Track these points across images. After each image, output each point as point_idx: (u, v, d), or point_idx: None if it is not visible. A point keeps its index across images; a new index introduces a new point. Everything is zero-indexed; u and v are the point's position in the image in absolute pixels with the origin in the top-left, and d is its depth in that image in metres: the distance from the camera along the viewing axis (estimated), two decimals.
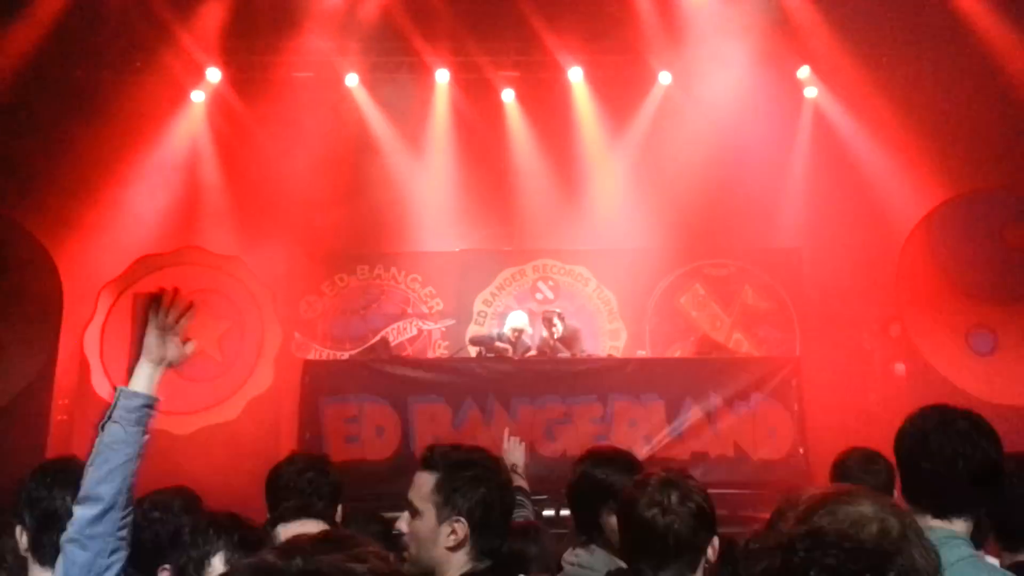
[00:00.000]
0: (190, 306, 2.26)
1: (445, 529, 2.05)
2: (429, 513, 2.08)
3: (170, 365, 2.26)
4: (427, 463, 2.15)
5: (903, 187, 8.67)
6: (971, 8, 8.36)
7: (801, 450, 6.60)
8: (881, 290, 8.54)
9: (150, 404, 2.20)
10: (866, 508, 1.21)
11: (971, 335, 8.17)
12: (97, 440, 2.14)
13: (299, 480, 2.88)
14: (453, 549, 2.04)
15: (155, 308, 2.23)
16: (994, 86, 8.29)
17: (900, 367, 8.37)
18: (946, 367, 8.08)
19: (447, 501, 2.07)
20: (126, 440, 2.13)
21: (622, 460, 2.72)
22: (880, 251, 8.59)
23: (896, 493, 2.26)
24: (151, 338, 2.23)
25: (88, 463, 2.13)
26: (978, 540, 2.14)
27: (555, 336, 7.45)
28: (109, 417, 2.15)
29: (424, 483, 2.11)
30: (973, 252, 8.29)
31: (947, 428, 2.05)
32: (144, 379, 2.22)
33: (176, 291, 2.26)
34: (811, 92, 9.40)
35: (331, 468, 3.01)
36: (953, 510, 1.99)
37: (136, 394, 2.19)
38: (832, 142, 9.16)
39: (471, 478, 2.09)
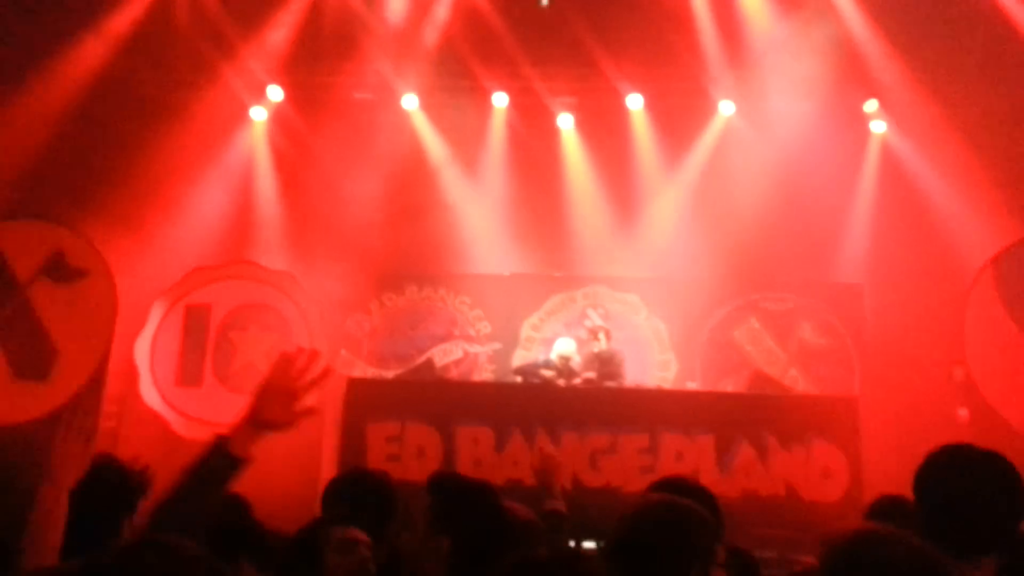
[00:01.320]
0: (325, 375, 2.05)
1: (431, 543, 2.29)
2: (420, 527, 2.36)
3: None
4: (431, 486, 2.43)
5: (971, 226, 8.39)
6: None
7: (856, 494, 6.33)
8: (945, 332, 8.23)
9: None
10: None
11: None
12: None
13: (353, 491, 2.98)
14: (433, 565, 2.24)
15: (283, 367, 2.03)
16: None
17: (963, 412, 8.04)
18: (1011, 414, 7.74)
19: (437, 521, 2.32)
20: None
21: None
22: (946, 291, 8.30)
23: None
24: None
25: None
26: None
27: (594, 350, 7.36)
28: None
29: (424, 502, 2.39)
30: None
31: (965, 467, 2.05)
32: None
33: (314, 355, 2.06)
34: (878, 127, 9.18)
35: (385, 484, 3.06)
36: (977, 550, 1.94)
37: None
38: (899, 178, 8.92)
39: (465, 505, 2.31)
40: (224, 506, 2.68)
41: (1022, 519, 1.99)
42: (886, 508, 3.00)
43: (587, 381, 7.25)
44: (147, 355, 8.50)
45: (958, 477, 2.03)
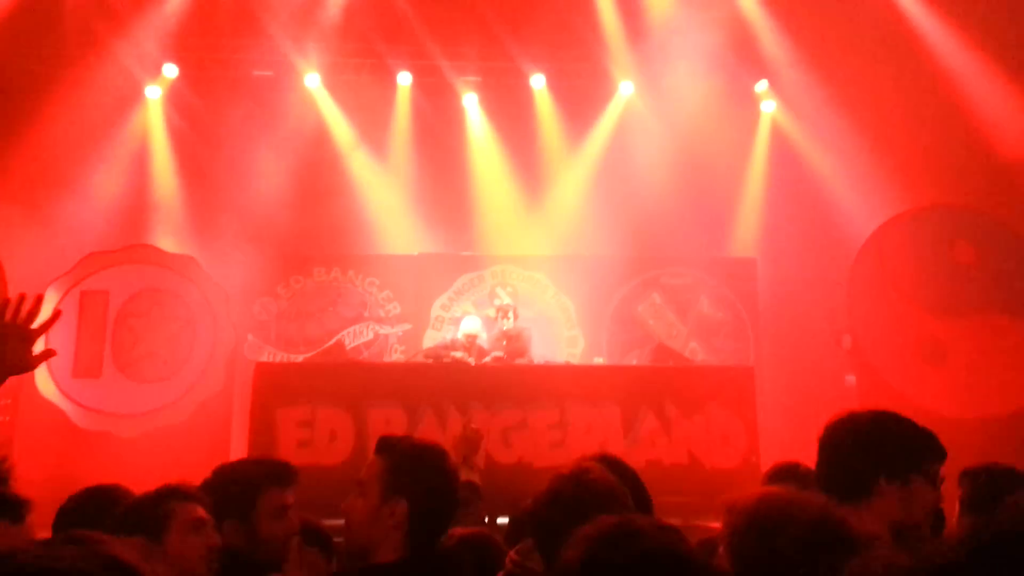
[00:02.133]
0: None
1: (385, 509, 2.14)
2: (373, 492, 2.17)
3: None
4: (381, 448, 2.26)
5: (857, 201, 8.83)
6: (926, 26, 8.57)
7: (754, 459, 6.65)
8: (833, 302, 8.68)
9: None
10: None
11: (921, 347, 8.34)
12: None
13: None
14: (389, 530, 2.12)
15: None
16: (946, 104, 8.50)
17: (851, 378, 8.51)
18: (896, 379, 8.24)
19: (394, 482, 2.16)
20: None
21: None
22: (833, 263, 8.74)
23: None
24: None
25: None
26: None
27: (503, 328, 7.47)
28: None
29: (375, 465, 2.23)
30: (923, 266, 8.48)
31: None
32: None
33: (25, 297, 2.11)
34: (768, 106, 9.55)
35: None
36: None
37: None
38: (788, 155, 9.32)
39: (421, 465, 2.20)
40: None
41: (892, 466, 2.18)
42: (782, 474, 3.17)
43: (496, 360, 7.35)
44: (41, 344, 8.15)
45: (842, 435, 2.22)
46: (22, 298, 2.08)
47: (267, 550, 2.50)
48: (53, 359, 7.73)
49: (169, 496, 2.38)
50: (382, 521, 2.13)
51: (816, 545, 1.48)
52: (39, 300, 2.12)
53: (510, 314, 7.54)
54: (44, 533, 2.47)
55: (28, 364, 2.11)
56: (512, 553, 2.36)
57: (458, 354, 7.28)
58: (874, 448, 2.18)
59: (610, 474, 2.28)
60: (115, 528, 2.26)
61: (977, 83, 8.50)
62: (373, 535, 2.15)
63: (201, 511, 2.38)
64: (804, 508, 1.52)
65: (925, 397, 8.01)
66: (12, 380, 7.11)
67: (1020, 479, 2.83)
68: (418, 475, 2.18)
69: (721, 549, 1.83)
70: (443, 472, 2.24)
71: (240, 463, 2.79)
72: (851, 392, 8.38)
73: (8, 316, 2.06)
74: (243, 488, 2.54)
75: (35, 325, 2.10)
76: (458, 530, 2.77)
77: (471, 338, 7.41)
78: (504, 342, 7.44)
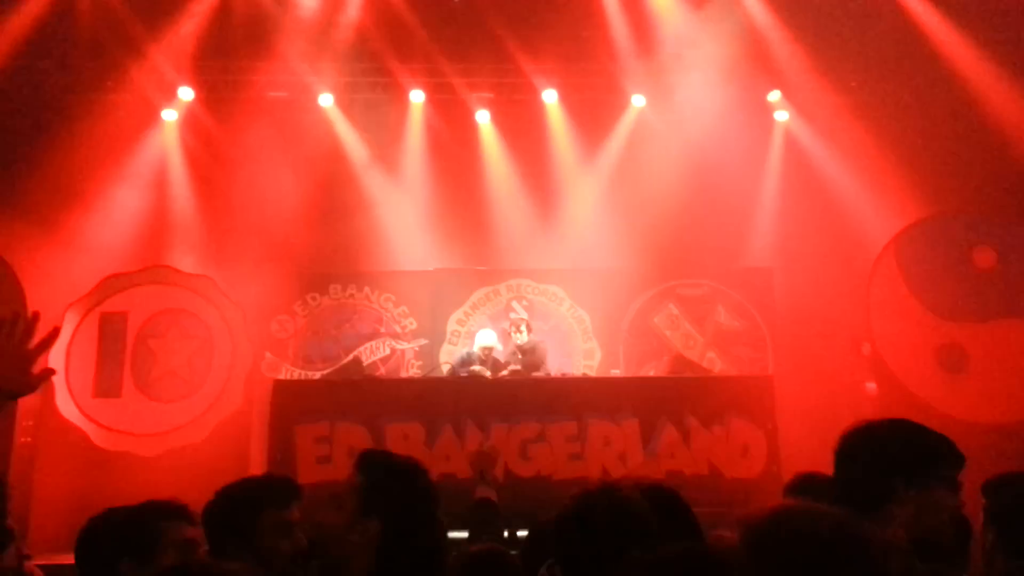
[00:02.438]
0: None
1: (359, 527, 2.16)
2: (347, 508, 2.20)
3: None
4: (360, 465, 2.28)
5: (873, 208, 8.79)
6: (939, 33, 8.55)
7: (774, 469, 6.60)
8: (852, 310, 8.62)
9: None
10: None
11: (940, 353, 8.26)
12: None
13: None
14: (360, 547, 2.14)
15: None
16: (962, 110, 8.47)
17: (871, 386, 8.44)
18: (916, 385, 8.17)
19: (369, 501, 2.18)
20: None
21: None
22: (850, 271, 8.69)
23: None
24: None
25: None
26: None
27: (517, 343, 7.46)
28: None
29: (352, 481, 2.25)
30: (942, 273, 8.41)
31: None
32: None
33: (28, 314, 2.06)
34: (781, 116, 9.54)
35: None
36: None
37: None
38: (802, 164, 9.29)
39: (397, 485, 2.21)
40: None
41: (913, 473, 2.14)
42: (803, 484, 3.14)
43: (514, 373, 7.34)
44: (62, 366, 8.24)
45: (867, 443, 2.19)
46: (16, 317, 2.01)
47: (273, 569, 2.47)
48: (74, 380, 7.75)
49: (158, 515, 2.34)
50: (354, 537, 2.14)
51: (833, 558, 1.45)
52: (36, 317, 2.04)
53: (523, 328, 7.54)
54: (66, 553, 2.48)
55: (28, 385, 2.01)
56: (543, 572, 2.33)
57: (476, 368, 7.29)
58: (890, 455, 2.15)
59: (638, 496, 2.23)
60: (107, 547, 2.25)
61: (993, 88, 8.46)
62: (345, 550, 2.16)
63: (191, 531, 2.35)
64: (820, 518, 1.50)
65: (946, 404, 7.93)
66: (34, 402, 7.19)
67: None
68: (394, 495, 2.18)
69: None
70: (419, 492, 2.23)
71: (241, 482, 2.77)
72: (871, 400, 8.31)
73: (2, 336, 1.99)
74: (243, 507, 2.50)
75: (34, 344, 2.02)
76: (474, 547, 2.76)
77: (487, 351, 7.42)
78: (519, 356, 7.44)
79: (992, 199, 8.65)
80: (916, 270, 8.52)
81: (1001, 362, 8.10)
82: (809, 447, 6.64)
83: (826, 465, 3.21)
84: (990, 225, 8.62)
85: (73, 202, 8.59)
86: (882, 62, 8.89)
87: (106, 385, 8.38)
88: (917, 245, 8.61)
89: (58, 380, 8.18)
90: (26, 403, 7.96)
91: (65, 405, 8.16)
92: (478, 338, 7.63)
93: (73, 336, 8.35)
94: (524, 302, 9.01)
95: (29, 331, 2.01)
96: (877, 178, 8.70)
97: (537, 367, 7.47)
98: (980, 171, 8.53)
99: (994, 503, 2.85)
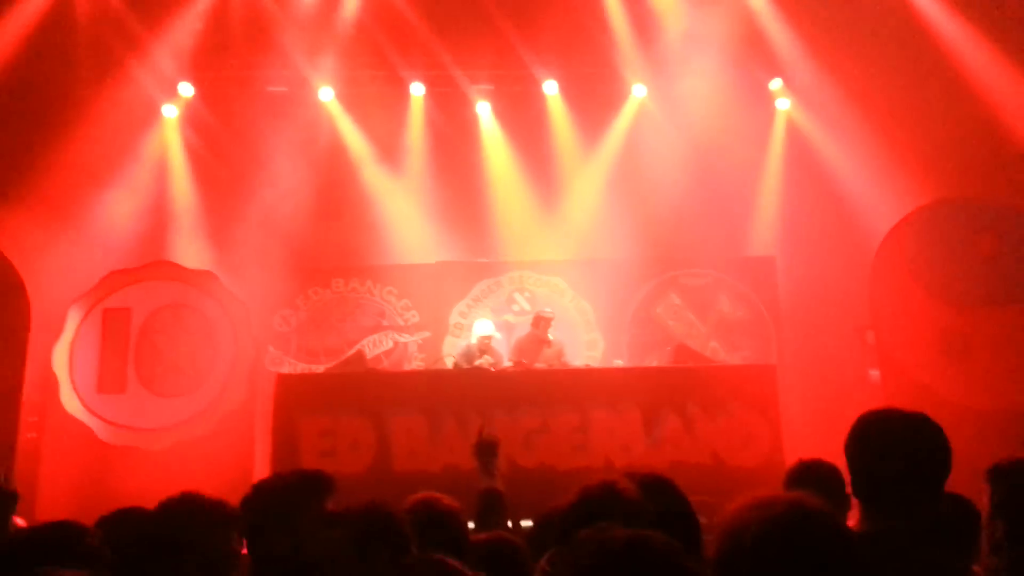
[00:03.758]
0: None
1: None
2: None
3: None
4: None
5: (875, 196, 8.76)
6: (939, 20, 8.52)
7: (778, 457, 6.60)
8: (855, 297, 8.60)
9: None
10: None
11: (944, 340, 8.25)
12: None
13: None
14: None
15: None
16: (963, 97, 8.43)
17: (875, 373, 8.43)
18: (920, 372, 8.15)
19: None
20: None
21: None
22: (853, 259, 8.67)
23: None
24: None
25: None
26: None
27: (533, 334, 7.45)
28: None
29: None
30: (945, 259, 8.38)
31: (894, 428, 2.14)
32: None
33: None
34: (783, 104, 9.51)
35: None
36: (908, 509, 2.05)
37: None
38: (804, 152, 9.27)
39: None
40: None
41: (946, 476, 2.11)
42: (804, 473, 3.13)
43: (518, 363, 7.35)
44: (66, 362, 8.27)
45: (889, 439, 2.12)
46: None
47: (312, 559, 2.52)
48: (79, 376, 7.74)
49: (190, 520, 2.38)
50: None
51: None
52: None
53: (548, 324, 7.55)
54: None
55: None
56: (543, 563, 2.34)
57: (480, 362, 7.29)
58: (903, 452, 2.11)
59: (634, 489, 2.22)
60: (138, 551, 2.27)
61: (994, 75, 8.42)
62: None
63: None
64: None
65: (950, 390, 7.91)
66: (38, 397, 7.20)
67: None
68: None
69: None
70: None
71: (279, 477, 2.80)
72: (875, 387, 8.30)
73: None
74: (286, 500, 2.55)
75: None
76: (480, 535, 2.77)
77: (485, 340, 7.42)
78: (546, 348, 7.43)
79: (994, 185, 8.62)
80: (919, 257, 8.49)
81: (1004, 348, 8.07)
82: (813, 435, 6.67)
83: (830, 453, 3.22)
84: (992, 211, 8.58)
85: (75, 199, 8.61)
86: (882, 49, 8.85)
87: (110, 381, 8.40)
88: (919, 232, 8.58)
89: (62, 376, 8.20)
90: (31, 399, 8.00)
91: (69, 401, 8.18)
92: (475, 328, 7.63)
93: (77, 332, 8.38)
94: (526, 294, 9.01)
95: None
96: (879, 165, 8.66)
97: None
98: (981, 157, 8.50)
99: (1000, 490, 2.82)
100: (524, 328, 7.93)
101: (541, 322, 7.56)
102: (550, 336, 7.54)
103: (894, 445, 2.10)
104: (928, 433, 2.13)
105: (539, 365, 7.36)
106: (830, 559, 1.35)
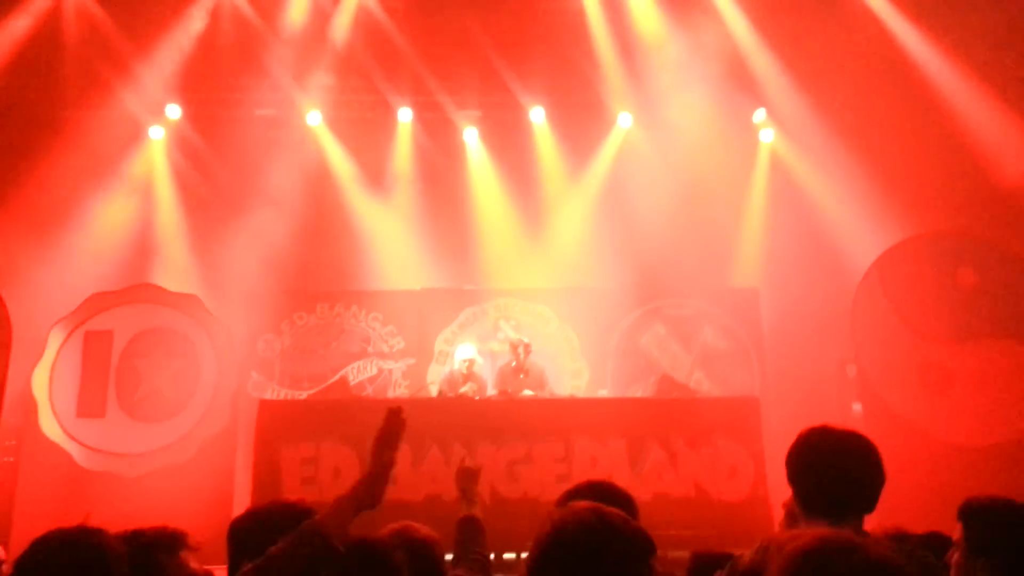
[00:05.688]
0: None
1: None
2: None
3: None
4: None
5: (857, 229, 8.84)
6: (922, 56, 8.66)
7: (762, 491, 6.59)
8: (837, 330, 8.65)
9: None
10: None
11: (924, 374, 8.30)
12: None
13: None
14: None
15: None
16: (945, 132, 8.55)
17: (857, 407, 8.46)
18: (902, 406, 8.19)
19: None
20: None
21: None
22: (835, 292, 8.73)
23: None
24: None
25: None
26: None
27: (512, 364, 7.43)
28: None
29: None
30: (925, 293, 8.46)
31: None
32: None
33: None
34: (767, 135, 9.61)
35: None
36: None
37: None
38: (787, 184, 9.35)
39: None
40: None
41: (880, 485, 2.27)
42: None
43: (502, 393, 7.32)
44: (46, 385, 8.17)
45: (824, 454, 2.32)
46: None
47: None
48: (58, 399, 7.69)
49: (158, 548, 2.34)
50: None
51: None
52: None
53: (520, 351, 7.49)
54: None
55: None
56: None
57: (464, 389, 7.26)
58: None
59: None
60: None
61: (976, 110, 8.55)
62: None
63: (194, 564, 2.34)
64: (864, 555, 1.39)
65: (932, 424, 7.96)
66: (16, 421, 7.12)
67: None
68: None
69: None
70: None
71: (264, 507, 2.73)
72: (858, 420, 8.32)
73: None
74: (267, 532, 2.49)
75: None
76: (460, 571, 2.75)
77: (468, 364, 7.39)
78: (521, 376, 7.40)
79: (975, 219, 8.73)
80: (900, 291, 8.56)
81: (984, 382, 8.14)
82: None
83: None
84: (972, 245, 8.68)
85: (59, 220, 8.56)
86: (866, 82, 8.97)
87: (90, 405, 8.30)
88: (900, 266, 8.66)
89: (42, 399, 8.10)
90: (8, 422, 7.89)
91: (48, 425, 8.08)
92: (457, 352, 7.62)
93: (58, 354, 8.29)
94: (512, 321, 9.01)
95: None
96: (862, 198, 8.75)
97: (541, 388, 7.45)
98: (963, 192, 8.61)
99: (978, 529, 2.82)
100: (507, 356, 7.93)
101: (516, 350, 7.54)
102: (527, 364, 7.50)
103: (827, 459, 2.30)
104: (859, 448, 2.31)
105: (526, 393, 7.34)
106: None
